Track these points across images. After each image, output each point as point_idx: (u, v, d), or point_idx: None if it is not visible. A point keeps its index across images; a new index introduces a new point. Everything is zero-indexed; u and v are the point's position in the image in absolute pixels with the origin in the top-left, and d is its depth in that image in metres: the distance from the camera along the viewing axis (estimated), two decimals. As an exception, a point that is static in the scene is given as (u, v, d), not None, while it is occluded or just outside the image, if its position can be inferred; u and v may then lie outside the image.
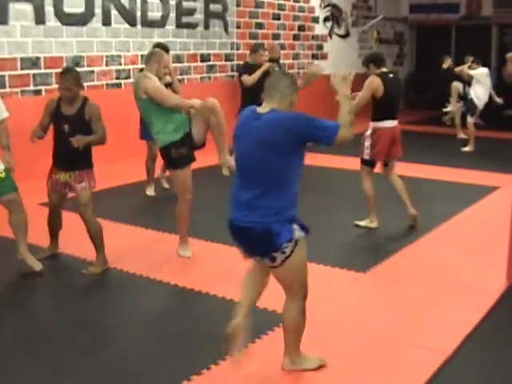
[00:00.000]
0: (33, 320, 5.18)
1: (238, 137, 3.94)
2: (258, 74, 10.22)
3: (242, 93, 10.60)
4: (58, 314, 5.28)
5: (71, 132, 5.82)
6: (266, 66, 10.37)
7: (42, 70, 9.60)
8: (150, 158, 8.80)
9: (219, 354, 4.33)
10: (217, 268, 6.19)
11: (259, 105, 3.94)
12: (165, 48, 8.47)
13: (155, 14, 11.55)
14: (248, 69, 10.55)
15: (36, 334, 4.88)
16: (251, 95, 9.56)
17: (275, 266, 3.86)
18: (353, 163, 8.55)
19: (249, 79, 10.29)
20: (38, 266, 5.85)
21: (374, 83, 7.16)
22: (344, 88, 3.91)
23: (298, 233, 3.79)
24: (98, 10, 10.48)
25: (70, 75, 5.88)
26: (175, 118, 6.12)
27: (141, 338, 4.82)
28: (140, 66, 10.61)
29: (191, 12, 12.31)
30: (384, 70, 7.39)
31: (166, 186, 9.02)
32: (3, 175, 5.74)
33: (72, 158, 5.88)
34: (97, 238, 6.02)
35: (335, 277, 6.02)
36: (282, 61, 13.98)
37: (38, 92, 9.52)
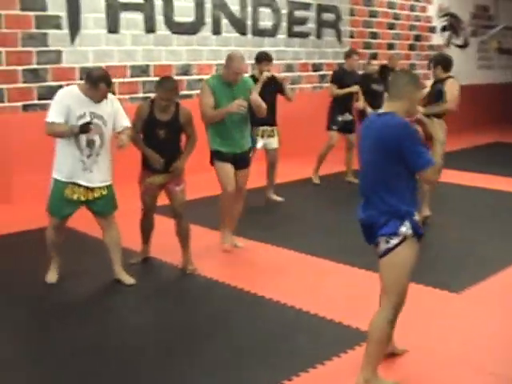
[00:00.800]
0: (121, 324, 5.00)
1: (361, 138, 3.99)
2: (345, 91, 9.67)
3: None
4: (147, 319, 5.05)
5: (166, 137, 5.74)
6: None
7: (151, 78, 9.53)
8: None
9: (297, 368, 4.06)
10: (304, 280, 5.80)
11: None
12: (265, 57, 8.30)
13: (266, 23, 11.34)
14: (341, 75, 9.83)
15: (123, 338, 4.69)
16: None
17: (379, 254, 3.79)
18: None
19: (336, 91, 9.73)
20: (130, 280, 5.63)
21: (458, 87, 7.34)
22: (440, 133, 4.09)
23: (404, 228, 3.70)
24: (208, 19, 10.37)
25: (174, 85, 5.69)
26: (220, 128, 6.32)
27: (225, 348, 4.52)
28: (250, 74, 10.40)
29: (303, 21, 12.03)
30: (450, 75, 7.07)
31: (276, 198, 8.66)
32: (105, 192, 5.50)
33: (167, 161, 5.76)
34: (187, 238, 5.97)
35: (425, 296, 5.38)
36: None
37: (146, 99, 9.41)
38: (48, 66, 8.47)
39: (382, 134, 3.68)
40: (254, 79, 8.05)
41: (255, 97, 6.46)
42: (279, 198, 8.59)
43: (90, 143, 5.31)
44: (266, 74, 8.05)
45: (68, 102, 5.27)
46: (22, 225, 7.25)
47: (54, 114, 5.28)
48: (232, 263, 6.31)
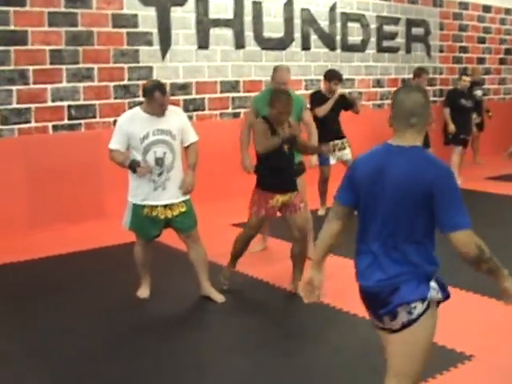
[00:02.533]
0: (212, 342, 4.67)
1: (370, 176, 2.95)
2: None
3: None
4: (237, 337, 4.74)
5: (290, 152, 5.34)
6: None
7: (241, 94, 9.28)
8: (321, 181, 8.23)
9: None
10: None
11: None
12: (336, 76, 8.18)
13: (355, 38, 10.95)
14: None
15: (214, 356, 4.38)
16: None
17: (394, 327, 2.83)
18: None
19: None
20: (221, 298, 5.31)
21: None
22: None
23: (434, 292, 2.82)
24: (297, 35, 10.07)
25: (290, 97, 5.27)
26: None
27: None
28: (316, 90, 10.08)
29: (393, 36, 11.59)
30: None
31: None
32: (184, 209, 5.20)
33: (292, 177, 5.45)
34: (303, 261, 5.43)
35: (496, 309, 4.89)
36: (486, 86, 12.99)
37: (236, 115, 9.17)
38: (139, 82, 8.30)
39: (415, 176, 2.74)
40: (320, 95, 8.07)
41: (308, 118, 6.45)
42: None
43: (159, 161, 5.05)
44: (339, 92, 8.06)
45: (127, 127, 5.03)
46: (115, 238, 7.04)
47: (114, 141, 5.12)
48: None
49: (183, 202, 5.19)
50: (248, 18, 9.41)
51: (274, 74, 6.38)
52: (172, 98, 8.54)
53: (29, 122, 7.56)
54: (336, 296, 5.22)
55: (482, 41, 13.56)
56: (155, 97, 4.96)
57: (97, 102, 8.01)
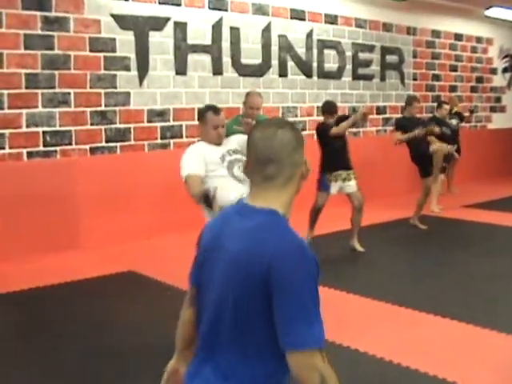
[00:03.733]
0: None
1: (205, 248, 2.14)
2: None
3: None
4: None
5: None
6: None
7: (219, 121, 9.17)
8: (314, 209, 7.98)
9: None
10: (397, 332, 5.24)
11: None
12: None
13: (332, 65, 10.94)
14: (404, 123, 9.08)
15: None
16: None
17: None
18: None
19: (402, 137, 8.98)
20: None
21: None
22: None
23: None
24: (274, 61, 10.01)
25: None
26: None
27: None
28: (315, 117, 10.03)
29: (368, 63, 11.61)
30: None
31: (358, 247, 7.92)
32: None
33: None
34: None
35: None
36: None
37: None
38: (116, 108, 8.15)
39: (250, 255, 1.88)
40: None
41: None
42: (360, 249, 7.88)
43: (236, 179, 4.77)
44: (362, 110, 8.19)
45: (202, 151, 4.79)
46: (91, 271, 6.88)
47: (190, 165, 4.71)
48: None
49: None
50: (226, 43, 9.32)
51: (246, 99, 6.49)
52: (149, 124, 8.44)
53: (3, 148, 7.35)
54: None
55: (454, 69, 13.67)
56: (208, 118, 4.88)
57: (73, 128, 7.82)
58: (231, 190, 4.70)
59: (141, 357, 4.72)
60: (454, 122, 11.52)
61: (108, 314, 5.67)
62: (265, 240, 1.87)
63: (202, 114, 4.95)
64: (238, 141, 4.99)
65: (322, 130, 7.75)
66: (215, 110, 4.95)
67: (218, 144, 4.89)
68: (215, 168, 4.76)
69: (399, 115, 10.77)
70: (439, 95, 13.12)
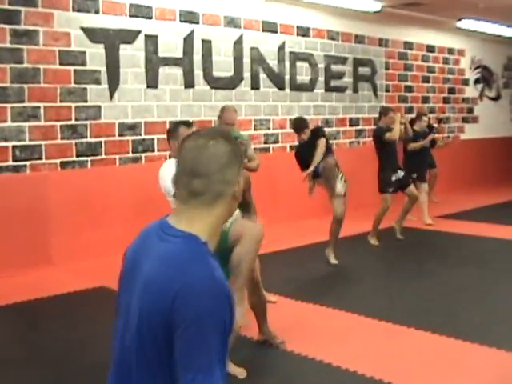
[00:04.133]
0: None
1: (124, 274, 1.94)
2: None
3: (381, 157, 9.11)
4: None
5: None
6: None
7: (191, 134, 9.13)
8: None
9: None
10: (370, 345, 5.22)
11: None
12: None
13: (304, 77, 10.95)
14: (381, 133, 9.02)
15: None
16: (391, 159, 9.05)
17: None
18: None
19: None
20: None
21: None
22: None
23: None
24: (246, 74, 10.00)
25: None
26: None
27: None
28: (288, 130, 10.02)
29: (340, 75, 11.64)
30: None
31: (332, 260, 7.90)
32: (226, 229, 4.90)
33: None
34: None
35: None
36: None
37: (186, 155, 9.02)
38: (87, 122, 8.08)
39: (159, 287, 1.69)
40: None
41: (252, 154, 6.69)
42: (334, 261, 7.84)
43: None
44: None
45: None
46: (63, 287, 6.81)
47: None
48: (290, 327, 5.65)
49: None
50: (198, 56, 9.30)
51: (221, 114, 6.55)
52: (120, 138, 8.37)
53: (-29, 163, 7.25)
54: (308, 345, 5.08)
55: (426, 80, 13.76)
56: (180, 132, 4.71)
57: (43, 143, 7.74)
58: None
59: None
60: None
61: (82, 330, 5.61)
62: (176, 270, 1.68)
63: (174, 129, 4.84)
64: None
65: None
66: (187, 124, 4.87)
67: None
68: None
69: (372, 127, 10.85)
70: (412, 106, 13.19)
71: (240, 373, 4.58)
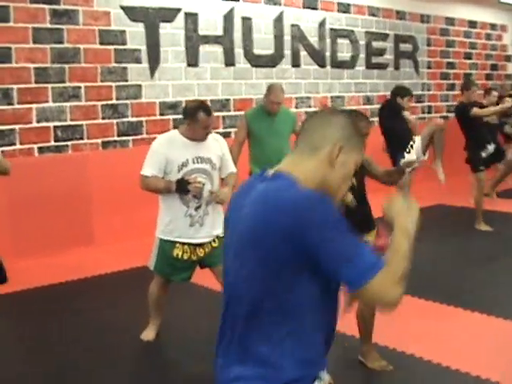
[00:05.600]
0: None
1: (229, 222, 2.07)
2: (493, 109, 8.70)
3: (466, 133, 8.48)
4: None
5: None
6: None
7: (232, 113, 8.98)
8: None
9: None
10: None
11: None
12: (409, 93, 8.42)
13: (345, 54, 10.72)
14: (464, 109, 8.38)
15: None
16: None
17: None
18: None
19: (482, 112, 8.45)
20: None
21: None
22: (404, 219, 1.91)
23: None
24: (287, 52, 9.80)
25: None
26: None
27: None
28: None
29: (381, 52, 11.38)
30: None
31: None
32: (216, 244, 4.68)
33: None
34: None
35: None
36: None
37: (226, 134, 8.81)
38: (128, 102, 7.97)
39: (258, 220, 1.80)
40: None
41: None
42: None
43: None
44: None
45: (165, 151, 4.51)
46: (106, 267, 6.76)
47: (149, 166, 4.56)
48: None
49: (217, 237, 4.70)
50: (238, 34, 9.12)
51: (268, 93, 6.52)
52: (161, 117, 8.25)
53: (13, 144, 7.18)
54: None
55: (468, 56, 13.42)
56: (199, 118, 4.48)
57: (84, 123, 7.65)
58: (172, 210, 4.58)
59: (162, 353, 4.57)
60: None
61: (126, 309, 5.56)
62: (280, 197, 1.80)
63: (193, 112, 4.51)
64: (220, 154, 4.72)
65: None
66: (207, 110, 4.55)
67: (200, 140, 4.61)
68: (170, 174, 4.56)
69: (414, 104, 10.58)
70: (453, 83, 12.87)
71: (385, 366, 4.30)
